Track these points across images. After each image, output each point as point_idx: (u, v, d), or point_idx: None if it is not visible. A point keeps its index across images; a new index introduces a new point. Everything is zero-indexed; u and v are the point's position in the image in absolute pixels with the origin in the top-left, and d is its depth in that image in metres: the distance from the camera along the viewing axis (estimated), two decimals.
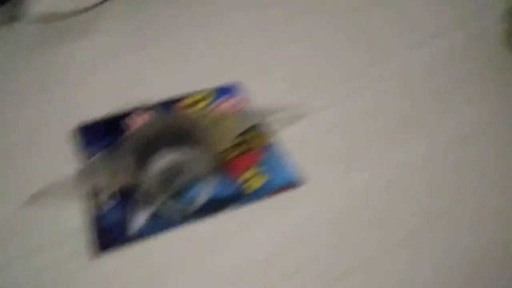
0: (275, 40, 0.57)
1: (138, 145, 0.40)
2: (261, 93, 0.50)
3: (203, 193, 0.39)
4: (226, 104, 0.49)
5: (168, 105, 0.50)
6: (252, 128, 0.45)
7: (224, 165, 0.42)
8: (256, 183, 0.40)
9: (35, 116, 0.50)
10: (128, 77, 0.54)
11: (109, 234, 0.37)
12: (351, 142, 0.44)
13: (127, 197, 0.40)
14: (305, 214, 0.39)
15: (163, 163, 0.38)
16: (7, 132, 0.49)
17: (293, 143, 0.44)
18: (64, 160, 0.45)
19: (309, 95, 0.49)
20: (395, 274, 0.36)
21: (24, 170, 0.45)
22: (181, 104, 0.50)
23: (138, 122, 0.48)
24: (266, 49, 0.56)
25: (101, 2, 0.62)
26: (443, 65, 0.53)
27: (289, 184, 0.40)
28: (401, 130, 0.46)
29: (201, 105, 0.49)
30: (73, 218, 0.39)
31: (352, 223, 0.38)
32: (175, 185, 0.39)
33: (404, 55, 0.54)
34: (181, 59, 0.55)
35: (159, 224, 0.38)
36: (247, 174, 0.41)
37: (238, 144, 0.44)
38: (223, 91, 0.51)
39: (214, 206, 0.39)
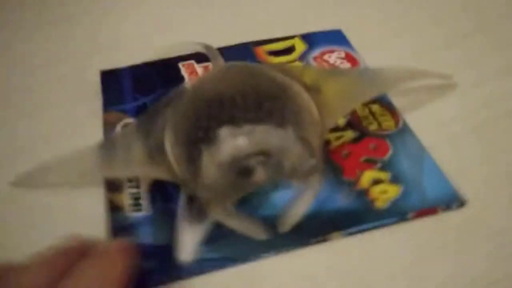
0: None
1: (194, 112, 0.24)
2: (372, 49, 0.34)
3: (302, 203, 0.23)
4: (328, 58, 0.33)
5: (245, 49, 0.34)
6: (372, 100, 0.29)
7: (328, 158, 0.26)
8: (385, 193, 0.24)
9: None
10: (183, 13, 0.39)
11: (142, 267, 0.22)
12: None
13: (168, 200, 0.25)
14: (477, 251, 0.23)
15: (235, 148, 0.22)
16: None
17: (435, 131, 0.28)
18: (83, 120, 0.31)
19: (455, 62, 0.33)
20: None
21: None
22: (264, 48, 0.34)
23: (199, 72, 0.33)
24: None
25: None
26: None
27: (445, 203, 0.24)
28: None
29: (293, 55, 0.34)
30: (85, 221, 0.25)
31: None
32: (250, 186, 0.23)
33: None
34: None
35: (223, 251, 0.23)
36: (368, 176, 0.25)
37: (348, 124, 0.28)
38: (317, 40, 0.35)
39: (319, 225, 0.23)
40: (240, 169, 0.22)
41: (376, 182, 0.25)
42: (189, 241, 0.23)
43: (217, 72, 0.29)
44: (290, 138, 0.22)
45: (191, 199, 0.24)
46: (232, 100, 0.23)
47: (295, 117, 0.24)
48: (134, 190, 0.26)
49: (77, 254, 0.19)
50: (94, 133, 0.30)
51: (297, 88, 0.26)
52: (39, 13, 0.40)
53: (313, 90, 0.27)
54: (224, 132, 0.22)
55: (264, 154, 0.22)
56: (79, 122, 0.31)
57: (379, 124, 0.28)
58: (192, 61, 0.34)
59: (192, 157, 0.22)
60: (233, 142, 0.22)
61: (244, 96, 0.24)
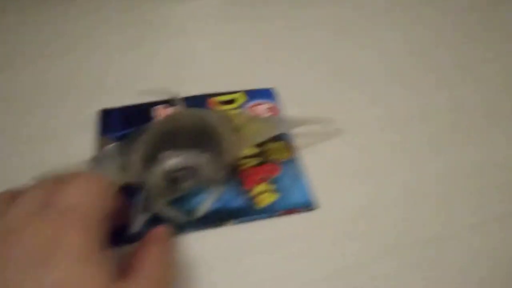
0: (312, 45, 0.55)
1: (152, 140, 0.38)
2: (294, 102, 0.48)
3: (209, 201, 0.37)
4: (257, 108, 0.47)
5: (201, 99, 0.48)
6: (276, 138, 0.42)
7: (236, 175, 0.40)
8: (267, 199, 0.38)
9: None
10: (160, 66, 0.53)
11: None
12: (374, 169, 0.41)
13: (131, 196, 0.38)
14: (313, 238, 0.36)
15: (169, 165, 0.36)
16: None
17: (315, 162, 0.41)
18: (81, 144, 0.45)
19: (345, 115, 0.46)
20: None
21: (39, 151, 0.44)
22: (215, 100, 0.48)
23: (163, 114, 0.47)
24: (303, 55, 0.54)
25: None
26: None
27: (301, 207, 0.38)
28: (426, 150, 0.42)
29: (233, 105, 0.48)
30: None
31: (365, 252, 0.36)
32: (180, 189, 0.36)
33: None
34: (214, 57, 0.54)
35: None
36: (259, 188, 0.39)
37: (257, 154, 0.42)
38: (255, 95, 0.49)
39: (219, 216, 0.37)
40: (172, 178, 0.36)
41: (264, 191, 0.38)
42: (138, 221, 0.37)
43: (174, 114, 0.43)
44: (207, 159, 0.36)
45: (146, 196, 0.38)
46: (177, 134, 0.37)
47: (214, 146, 0.37)
48: None
49: None
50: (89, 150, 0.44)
51: (222, 127, 0.40)
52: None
53: (236, 129, 0.41)
54: (164, 155, 0.36)
55: (188, 169, 0.36)
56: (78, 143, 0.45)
57: (277, 155, 0.41)
58: (161, 106, 0.48)
59: (146, 170, 0.36)
60: (168, 161, 0.36)
61: (185, 131, 0.38)
